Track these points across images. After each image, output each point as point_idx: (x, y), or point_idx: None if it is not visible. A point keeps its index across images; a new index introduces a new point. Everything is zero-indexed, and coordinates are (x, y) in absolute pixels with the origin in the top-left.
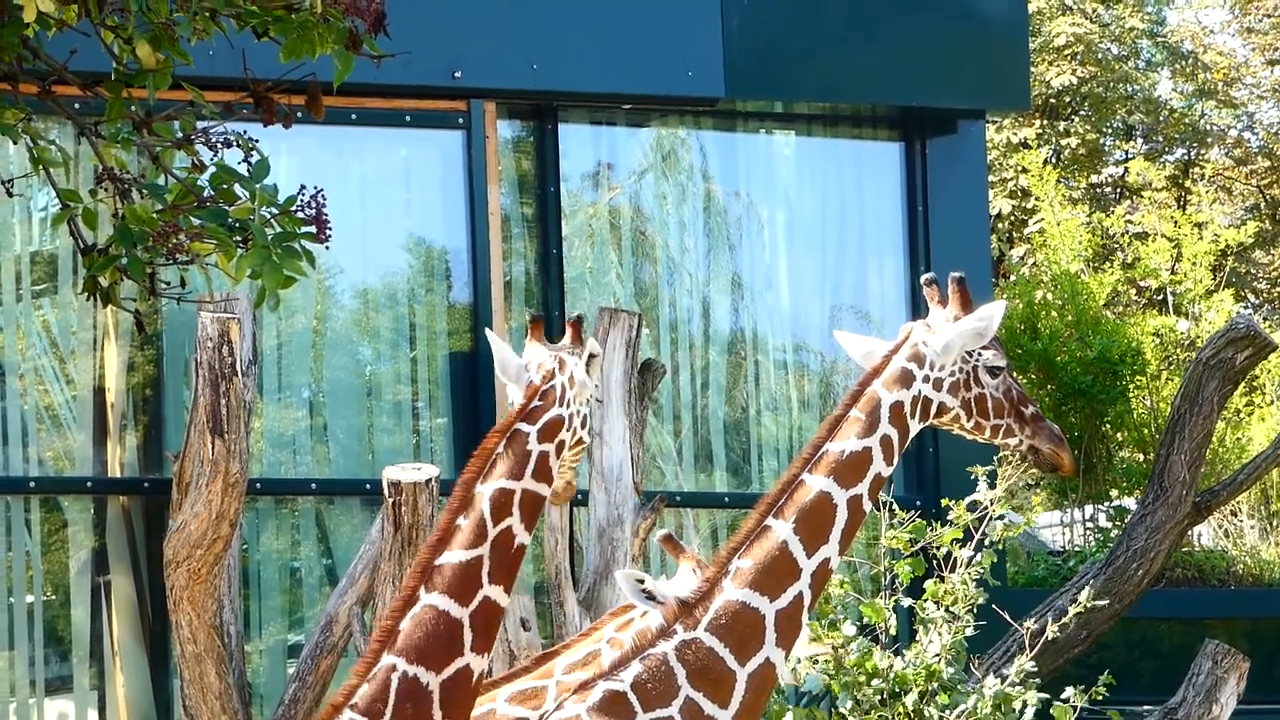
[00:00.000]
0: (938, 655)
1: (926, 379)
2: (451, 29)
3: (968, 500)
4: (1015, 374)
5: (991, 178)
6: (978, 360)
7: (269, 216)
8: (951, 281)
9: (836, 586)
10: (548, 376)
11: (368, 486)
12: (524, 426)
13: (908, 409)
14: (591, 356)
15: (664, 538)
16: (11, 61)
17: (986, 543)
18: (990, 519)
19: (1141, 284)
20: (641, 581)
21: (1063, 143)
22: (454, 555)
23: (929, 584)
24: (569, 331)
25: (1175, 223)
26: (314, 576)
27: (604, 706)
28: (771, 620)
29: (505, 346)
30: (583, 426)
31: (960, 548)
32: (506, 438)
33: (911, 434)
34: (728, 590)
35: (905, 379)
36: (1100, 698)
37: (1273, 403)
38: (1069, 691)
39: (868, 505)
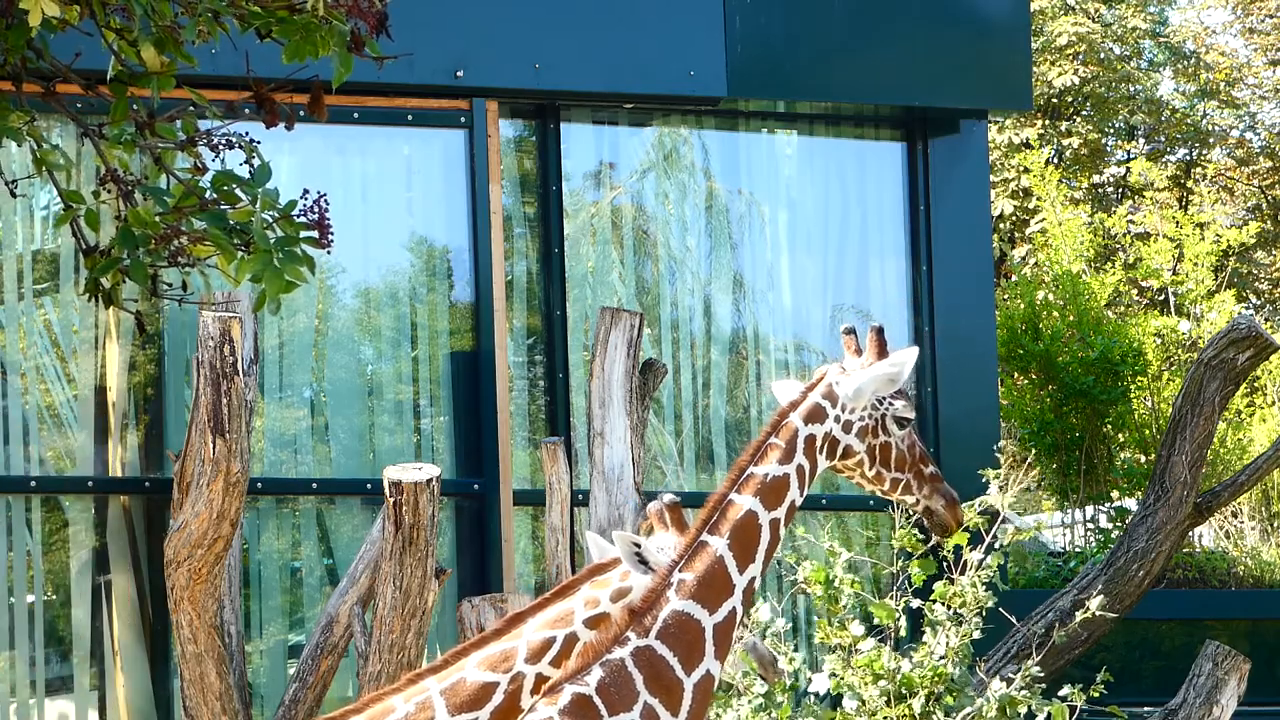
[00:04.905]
0: (943, 658)
1: (837, 419)
2: (454, 28)
3: (977, 502)
4: (1019, 377)
5: (993, 177)
6: (887, 409)
7: (270, 220)
8: (870, 331)
9: (846, 585)
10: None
11: (369, 486)
12: None
13: (819, 443)
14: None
15: (670, 505)
16: (15, 62)
17: (996, 545)
18: (1000, 522)
19: (1143, 284)
20: (638, 546)
21: (1064, 143)
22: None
23: (938, 586)
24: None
25: (1177, 223)
26: (315, 576)
27: (572, 710)
28: (710, 633)
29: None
30: None
31: (970, 550)
32: None
33: (820, 470)
34: (673, 601)
35: (818, 414)
36: (1098, 695)
37: (1274, 404)
38: (1067, 689)
39: (783, 531)
